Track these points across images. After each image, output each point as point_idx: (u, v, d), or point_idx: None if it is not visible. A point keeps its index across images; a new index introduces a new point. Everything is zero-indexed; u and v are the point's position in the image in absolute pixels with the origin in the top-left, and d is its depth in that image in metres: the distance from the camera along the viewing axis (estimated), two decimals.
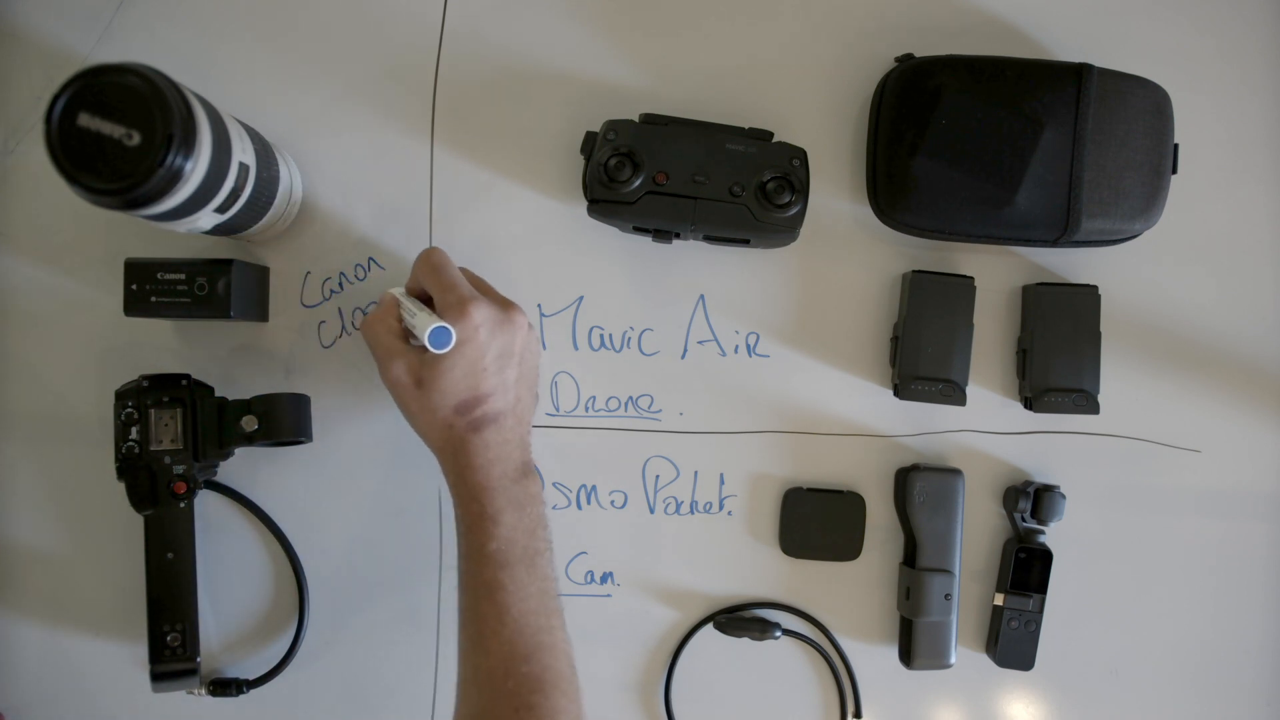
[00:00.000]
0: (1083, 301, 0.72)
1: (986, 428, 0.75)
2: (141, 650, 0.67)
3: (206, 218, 0.57)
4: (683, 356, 0.74)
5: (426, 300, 0.62)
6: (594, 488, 0.74)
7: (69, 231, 0.70)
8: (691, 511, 0.74)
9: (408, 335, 0.62)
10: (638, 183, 0.66)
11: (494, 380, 0.60)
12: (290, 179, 0.67)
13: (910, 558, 0.73)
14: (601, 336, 0.73)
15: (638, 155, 0.67)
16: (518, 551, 0.58)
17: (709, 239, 0.69)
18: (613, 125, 0.68)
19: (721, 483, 0.74)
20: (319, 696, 0.72)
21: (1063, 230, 0.68)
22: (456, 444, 0.59)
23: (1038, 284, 0.73)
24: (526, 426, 0.63)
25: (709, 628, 0.74)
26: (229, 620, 0.72)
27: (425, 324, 0.57)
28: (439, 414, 0.59)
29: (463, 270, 0.64)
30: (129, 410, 0.66)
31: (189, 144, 0.51)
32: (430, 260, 0.62)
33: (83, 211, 0.60)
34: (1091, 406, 0.72)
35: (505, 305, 0.62)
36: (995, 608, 0.74)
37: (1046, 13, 0.74)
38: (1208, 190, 0.75)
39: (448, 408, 0.59)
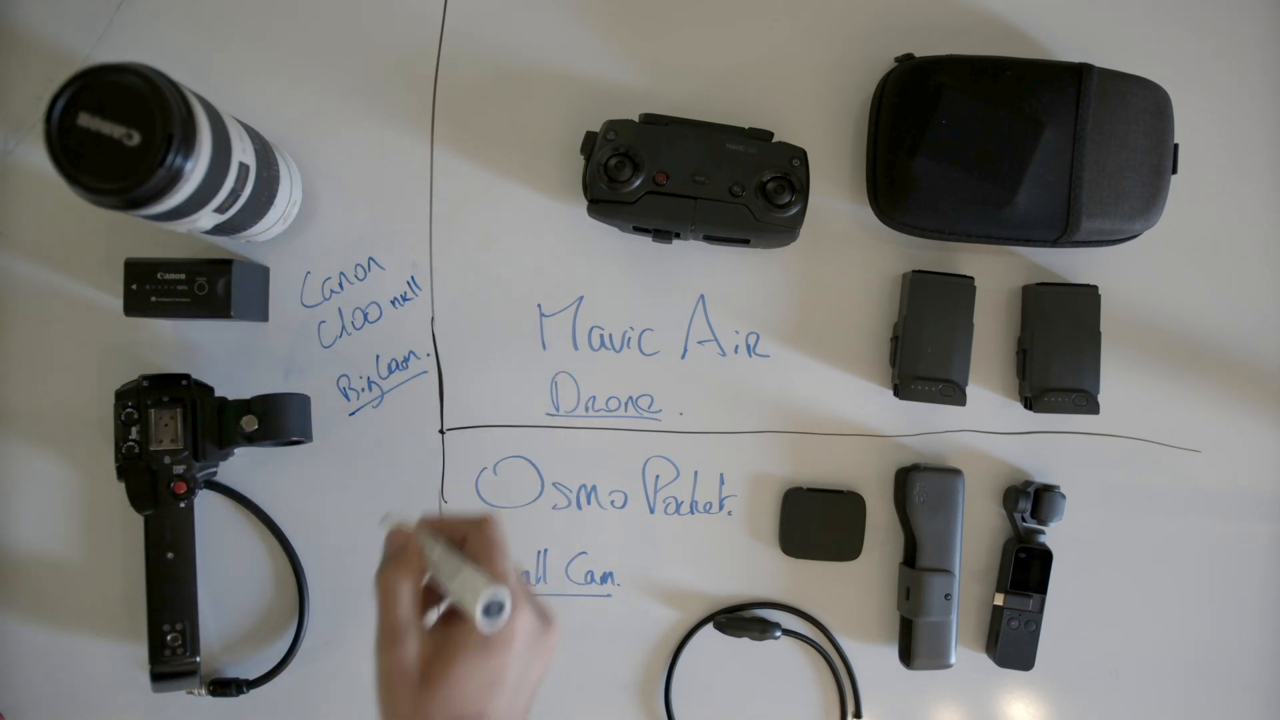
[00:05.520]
0: (1083, 301, 0.72)
1: (986, 428, 0.75)
2: (141, 650, 0.67)
3: (206, 218, 0.57)
4: (683, 356, 0.74)
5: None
6: (594, 488, 0.74)
7: (69, 231, 0.70)
8: (691, 511, 0.74)
9: (427, 599, 0.50)
10: (638, 183, 0.66)
11: (504, 703, 0.47)
12: (290, 179, 0.67)
13: (910, 558, 0.73)
14: (601, 336, 0.73)
15: (638, 155, 0.67)
16: None
17: (709, 239, 0.69)
18: (613, 125, 0.67)
19: (721, 483, 0.74)
20: (319, 696, 0.72)
21: (1063, 230, 0.68)
22: None
23: (1038, 284, 0.73)
24: None
25: (709, 628, 0.74)
26: (229, 620, 0.72)
27: (477, 586, 0.45)
28: None
29: None
30: (129, 410, 0.66)
31: (189, 144, 0.51)
32: (493, 535, 0.50)
33: (83, 211, 0.61)
34: (1091, 406, 0.72)
35: (545, 619, 0.50)
36: (995, 608, 0.74)
37: (1046, 13, 0.74)
38: (1207, 190, 0.75)
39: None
